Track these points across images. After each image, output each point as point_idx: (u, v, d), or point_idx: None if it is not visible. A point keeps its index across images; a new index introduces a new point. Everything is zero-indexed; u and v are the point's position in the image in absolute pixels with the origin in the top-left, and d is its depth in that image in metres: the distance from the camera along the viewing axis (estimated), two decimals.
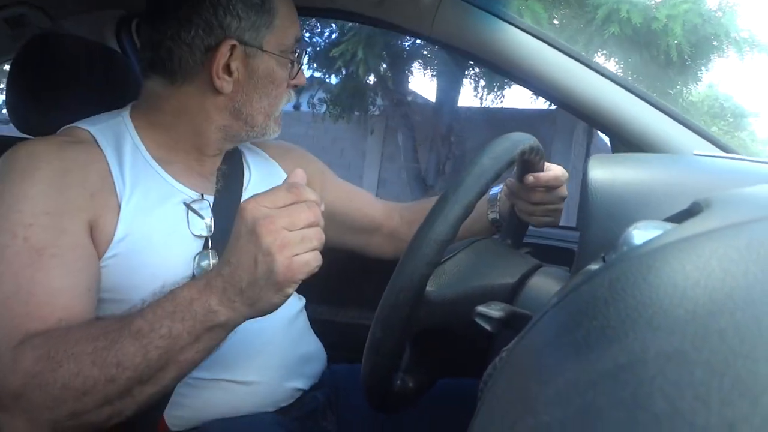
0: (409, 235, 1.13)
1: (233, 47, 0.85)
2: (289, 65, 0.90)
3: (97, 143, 0.83)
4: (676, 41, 6.91)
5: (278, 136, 0.96)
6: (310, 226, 0.65)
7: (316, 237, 0.65)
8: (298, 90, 1.16)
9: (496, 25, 1.11)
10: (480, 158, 0.64)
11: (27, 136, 1.04)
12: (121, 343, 0.64)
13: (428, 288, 0.63)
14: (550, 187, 0.90)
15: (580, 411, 0.19)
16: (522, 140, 0.71)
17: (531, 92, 1.19)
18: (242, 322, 0.68)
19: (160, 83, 0.88)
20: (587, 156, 10.57)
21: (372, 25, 1.28)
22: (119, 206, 0.79)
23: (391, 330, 0.59)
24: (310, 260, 0.64)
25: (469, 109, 9.03)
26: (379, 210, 1.18)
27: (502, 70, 1.16)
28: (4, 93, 1.12)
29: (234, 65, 0.86)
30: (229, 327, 0.68)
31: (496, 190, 1.05)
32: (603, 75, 1.10)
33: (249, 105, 0.89)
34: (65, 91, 1.04)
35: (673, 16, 6.96)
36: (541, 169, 0.87)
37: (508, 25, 1.11)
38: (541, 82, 1.12)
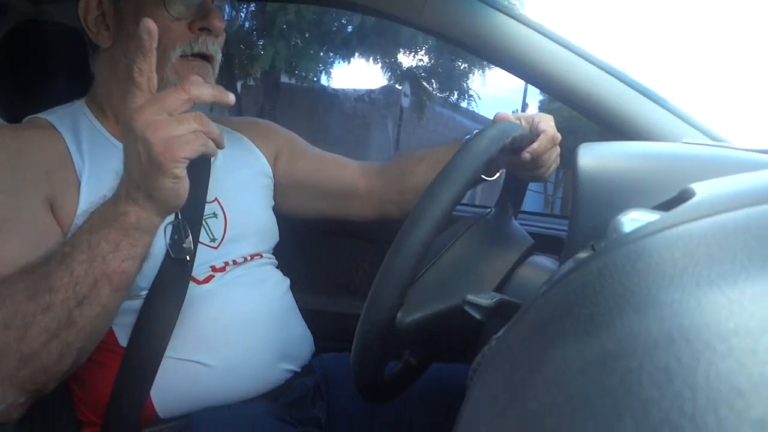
0: (387, 192, 1.12)
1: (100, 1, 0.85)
2: (167, 1, 0.83)
3: (55, 128, 0.85)
4: None
5: None
6: (184, 109, 0.65)
7: (195, 119, 0.64)
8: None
9: (486, 12, 1.11)
10: (461, 156, 0.61)
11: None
12: (49, 270, 0.66)
13: (398, 316, 0.60)
14: (549, 148, 0.87)
15: (569, 398, 0.19)
16: (499, 137, 0.67)
17: (521, 79, 1.18)
18: (157, 221, 0.70)
19: (92, 64, 0.91)
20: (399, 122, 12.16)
21: (361, 13, 1.27)
22: (79, 182, 0.81)
23: (379, 332, 0.58)
24: (191, 140, 0.64)
25: (291, 87, 10.24)
26: (355, 173, 1.14)
27: (491, 57, 1.16)
28: None
29: (108, 18, 0.85)
30: (144, 227, 0.68)
31: None
32: (593, 63, 1.10)
33: (130, 56, 0.84)
34: (49, 79, 1.03)
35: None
36: (534, 139, 0.84)
37: (499, 13, 1.10)
38: (531, 70, 1.12)
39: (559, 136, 0.89)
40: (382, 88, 12.36)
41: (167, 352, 0.82)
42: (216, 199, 0.93)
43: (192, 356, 0.83)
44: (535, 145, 0.84)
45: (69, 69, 1.03)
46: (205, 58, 0.87)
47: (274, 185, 1.09)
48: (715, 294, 0.19)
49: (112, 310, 0.71)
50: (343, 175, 1.15)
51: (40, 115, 0.87)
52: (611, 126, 1.10)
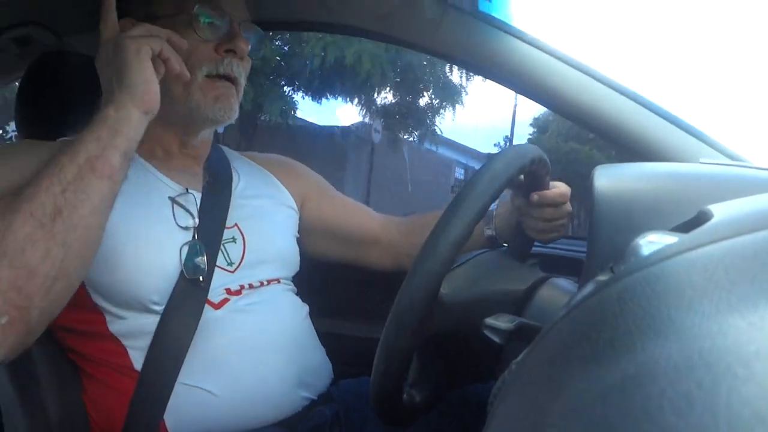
0: (406, 247, 1.14)
1: (131, 24, 0.85)
2: (196, 25, 0.87)
3: None
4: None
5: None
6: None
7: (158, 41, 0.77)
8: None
9: (499, 37, 1.12)
10: (492, 164, 0.64)
11: None
12: (39, 175, 0.69)
13: (442, 290, 0.63)
14: (557, 203, 0.90)
15: (590, 424, 0.19)
16: (530, 150, 0.71)
17: (536, 102, 1.18)
18: (133, 112, 0.75)
19: None
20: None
21: (375, 40, 1.28)
22: None
23: (405, 331, 0.59)
24: (153, 38, 0.76)
25: (268, 125, 11.14)
26: (377, 223, 1.17)
27: (506, 81, 1.17)
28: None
29: None
30: (122, 116, 0.74)
31: (491, 206, 1.05)
32: (607, 84, 1.10)
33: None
34: (73, 109, 1.05)
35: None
36: (547, 184, 0.87)
37: (512, 38, 1.11)
38: (546, 93, 1.13)
39: (570, 206, 0.93)
40: (355, 124, 13.31)
41: (180, 378, 0.82)
42: (236, 224, 0.94)
43: (204, 384, 0.82)
44: (546, 191, 0.87)
45: (91, 99, 1.05)
46: (230, 80, 0.90)
47: (300, 226, 1.09)
48: (735, 318, 0.19)
49: (97, 204, 0.70)
50: (367, 223, 1.17)
51: (70, 138, 0.89)
52: (627, 146, 1.10)
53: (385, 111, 12.74)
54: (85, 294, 0.81)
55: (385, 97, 12.68)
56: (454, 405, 0.90)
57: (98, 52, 0.79)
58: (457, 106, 12.63)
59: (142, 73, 0.74)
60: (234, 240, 0.93)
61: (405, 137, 13.61)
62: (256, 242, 0.95)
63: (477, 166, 0.90)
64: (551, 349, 0.28)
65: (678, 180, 0.59)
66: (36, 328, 0.68)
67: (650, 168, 0.67)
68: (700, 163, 0.87)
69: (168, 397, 0.81)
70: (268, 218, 1.01)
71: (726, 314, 0.20)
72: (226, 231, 0.92)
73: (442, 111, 12.85)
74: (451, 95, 12.47)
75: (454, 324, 0.67)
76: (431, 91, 12.40)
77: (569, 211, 0.94)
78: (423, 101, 12.71)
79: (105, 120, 0.73)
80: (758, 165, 0.73)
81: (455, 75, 12.20)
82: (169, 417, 0.81)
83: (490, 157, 0.67)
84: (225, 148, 1.09)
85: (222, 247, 0.91)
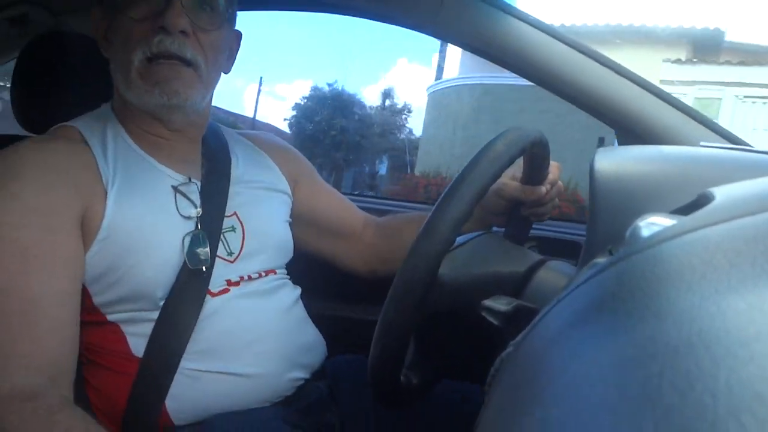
0: (385, 249, 1.13)
1: (104, 12, 0.85)
2: (125, 2, 0.82)
3: (83, 136, 0.85)
4: None
5: None
6: None
7: None
8: None
9: (501, 18, 1.10)
10: (494, 143, 0.64)
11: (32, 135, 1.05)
12: None
13: (441, 270, 0.63)
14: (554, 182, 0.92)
15: (589, 404, 0.19)
16: (532, 132, 0.71)
17: (536, 84, 1.17)
18: None
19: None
20: None
21: (374, 19, 1.26)
22: (105, 192, 0.81)
23: (404, 309, 0.59)
24: None
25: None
26: (360, 221, 1.16)
27: (507, 63, 1.16)
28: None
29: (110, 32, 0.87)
30: None
31: None
32: (608, 67, 1.09)
33: (115, 63, 0.88)
34: (70, 89, 1.04)
35: None
36: (548, 163, 0.87)
37: (513, 18, 1.10)
38: (547, 75, 1.12)
39: (561, 184, 0.95)
40: None
41: (181, 363, 0.82)
42: (235, 213, 0.93)
43: (201, 367, 0.83)
44: (550, 176, 0.89)
45: (88, 79, 1.04)
46: (171, 57, 0.82)
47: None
48: (735, 299, 0.19)
49: None
50: (351, 220, 1.16)
51: (69, 123, 0.88)
52: (627, 129, 1.09)
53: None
54: (87, 295, 0.82)
55: None
56: (449, 391, 0.90)
57: None
58: None
59: None
60: (233, 229, 0.92)
61: None
62: (255, 231, 0.94)
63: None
64: (550, 330, 0.28)
65: (678, 163, 0.58)
66: None
67: (650, 151, 0.67)
68: (701, 146, 0.86)
69: (170, 383, 0.81)
70: (265, 205, 1.00)
71: (725, 295, 0.20)
72: (225, 220, 0.91)
73: None
74: None
75: (452, 305, 0.67)
76: None
77: (561, 188, 0.95)
78: None
79: None
80: (759, 149, 0.73)
81: None
82: (169, 399, 0.82)
83: (492, 139, 0.66)
84: (223, 128, 1.07)
85: (222, 236, 0.90)
